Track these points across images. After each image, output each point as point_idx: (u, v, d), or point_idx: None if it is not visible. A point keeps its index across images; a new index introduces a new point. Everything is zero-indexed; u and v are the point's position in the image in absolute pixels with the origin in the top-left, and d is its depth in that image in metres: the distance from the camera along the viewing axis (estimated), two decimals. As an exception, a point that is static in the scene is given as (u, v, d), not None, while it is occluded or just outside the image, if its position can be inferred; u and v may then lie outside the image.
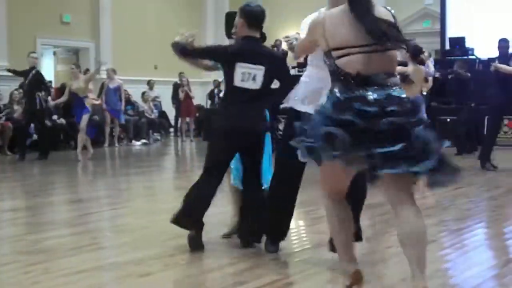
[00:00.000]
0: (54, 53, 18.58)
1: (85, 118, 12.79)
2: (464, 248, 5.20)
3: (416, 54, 8.83)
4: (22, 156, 12.77)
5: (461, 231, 5.81)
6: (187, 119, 18.50)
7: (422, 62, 9.35)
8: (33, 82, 12.74)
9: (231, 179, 5.45)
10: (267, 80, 4.94)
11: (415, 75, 8.55)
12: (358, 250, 5.15)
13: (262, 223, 5.00)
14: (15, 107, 14.51)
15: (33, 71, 12.79)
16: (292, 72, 6.43)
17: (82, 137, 12.85)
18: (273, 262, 4.73)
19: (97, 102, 16.36)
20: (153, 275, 4.40)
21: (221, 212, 6.63)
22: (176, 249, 5.10)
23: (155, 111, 18.54)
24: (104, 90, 16.27)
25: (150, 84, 18.69)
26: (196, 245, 4.99)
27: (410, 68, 8.55)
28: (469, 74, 14.00)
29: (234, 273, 4.42)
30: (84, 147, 13.05)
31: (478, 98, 14.41)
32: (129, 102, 17.76)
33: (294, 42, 4.30)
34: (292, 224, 6.14)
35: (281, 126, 15.27)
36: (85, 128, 12.82)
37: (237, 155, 5.21)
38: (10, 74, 13.54)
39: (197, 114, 19.05)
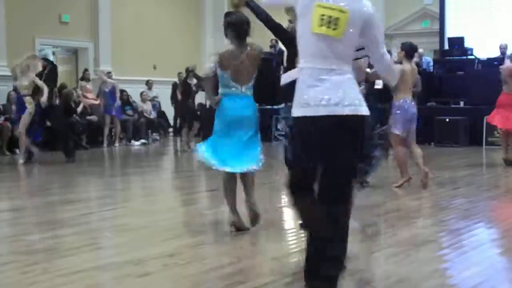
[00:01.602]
0: (53, 53, 18.57)
1: (23, 118, 11.80)
2: (462, 248, 5.19)
3: (411, 53, 8.56)
4: (70, 155, 12.26)
5: (459, 231, 5.81)
6: (186, 119, 18.50)
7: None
8: (50, 76, 12.13)
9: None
10: None
11: (413, 74, 8.43)
12: (357, 250, 5.15)
13: None
14: (13, 107, 14.50)
15: (49, 66, 12.25)
16: None
17: (22, 140, 11.94)
18: (272, 262, 4.73)
19: (96, 102, 16.38)
20: (152, 275, 4.39)
21: (217, 212, 6.63)
22: (175, 249, 5.09)
23: (152, 112, 18.53)
24: (100, 94, 16.29)
25: (149, 84, 18.69)
26: None
27: (406, 67, 8.33)
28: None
29: (233, 273, 4.41)
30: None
31: (478, 98, 14.43)
32: (127, 102, 17.75)
33: None
34: (291, 224, 6.15)
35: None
36: (23, 130, 11.86)
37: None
38: (7, 74, 13.41)
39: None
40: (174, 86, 18.46)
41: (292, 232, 5.96)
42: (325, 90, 3.67)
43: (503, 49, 15.49)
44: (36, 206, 7.53)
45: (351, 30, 3.67)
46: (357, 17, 3.67)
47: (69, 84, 17.08)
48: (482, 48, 16.31)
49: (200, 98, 19.89)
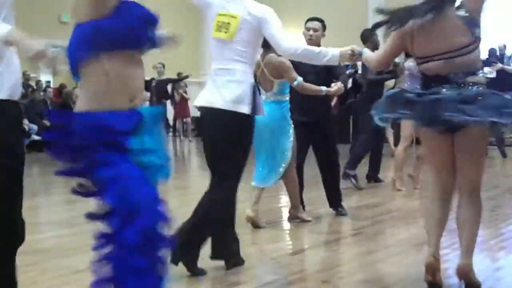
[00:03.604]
0: (53, 53, 18.55)
1: None
2: (462, 248, 5.20)
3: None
4: None
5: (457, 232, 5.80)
6: (184, 120, 18.56)
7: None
8: None
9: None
10: None
11: None
12: (357, 251, 5.16)
13: None
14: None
15: None
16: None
17: None
18: (272, 262, 4.74)
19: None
20: (151, 275, 4.39)
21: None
22: (174, 249, 5.09)
23: (152, 111, 18.54)
24: None
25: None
26: None
27: None
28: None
29: (232, 272, 4.42)
30: None
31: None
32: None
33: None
34: (291, 224, 6.16)
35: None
36: None
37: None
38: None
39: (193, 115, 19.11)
40: (173, 86, 18.52)
41: (291, 232, 5.97)
42: (211, 86, 4.31)
43: (501, 50, 15.59)
44: (35, 206, 7.53)
45: (242, 32, 4.25)
46: (249, 21, 4.25)
47: (69, 84, 17.08)
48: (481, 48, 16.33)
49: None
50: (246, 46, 4.28)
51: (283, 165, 5.89)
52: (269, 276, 4.36)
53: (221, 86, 4.26)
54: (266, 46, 5.70)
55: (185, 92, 18.38)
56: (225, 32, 4.27)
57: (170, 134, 19.57)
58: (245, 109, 4.21)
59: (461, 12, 3.95)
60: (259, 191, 6.03)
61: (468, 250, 3.98)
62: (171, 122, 19.46)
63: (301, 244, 5.58)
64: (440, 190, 4.14)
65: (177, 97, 18.19)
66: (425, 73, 4.06)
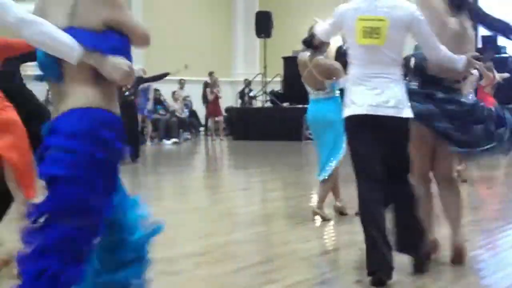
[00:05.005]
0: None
1: None
2: (496, 249, 5.15)
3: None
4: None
5: (493, 231, 5.75)
6: (216, 118, 18.61)
7: None
8: None
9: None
10: None
11: None
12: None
13: None
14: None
15: None
16: None
17: None
18: (302, 262, 4.73)
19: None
20: (183, 274, 4.42)
21: (249, 211, 6.64)
22: (206, 248, 5.13)
23: (185, 110, 18.65)
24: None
25: (181, 84, 18.81)
26: None
27: None
28: None
29: (264, 271, 4.42)
30: None
31: (504, 98, 14.27)
32: (159, 101, 17.88)
33: None
34: (324, 224, 6.15)
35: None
36: None
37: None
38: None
39: (225, 114, 19.18)
40: (206, 85, 18.62)
41: (323, 232, 5.96)
42: (370, 92, 4.07)
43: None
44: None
45: (394, 35, 4.06)
46: (398, 22, 4.06)
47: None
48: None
49: (231, 101, 20.02)
50: (398, 47, 4.14)
51: (338, 158, 6.03)
52: (300, 275, 4.35)
53: (382, 91, 4.07)
54: (315, 47, 5.79)
55: (218, 92, 18.44)
56: (377, 38, 4.05)
57: (202, 132, 19.69)
58: (408, 112, 4.12)
59: None
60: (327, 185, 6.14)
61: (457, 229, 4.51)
62: (203, 121, 19.57)
63: (332, 244, 5.57)
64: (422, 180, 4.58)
65: (210, 96, 18.27)
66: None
